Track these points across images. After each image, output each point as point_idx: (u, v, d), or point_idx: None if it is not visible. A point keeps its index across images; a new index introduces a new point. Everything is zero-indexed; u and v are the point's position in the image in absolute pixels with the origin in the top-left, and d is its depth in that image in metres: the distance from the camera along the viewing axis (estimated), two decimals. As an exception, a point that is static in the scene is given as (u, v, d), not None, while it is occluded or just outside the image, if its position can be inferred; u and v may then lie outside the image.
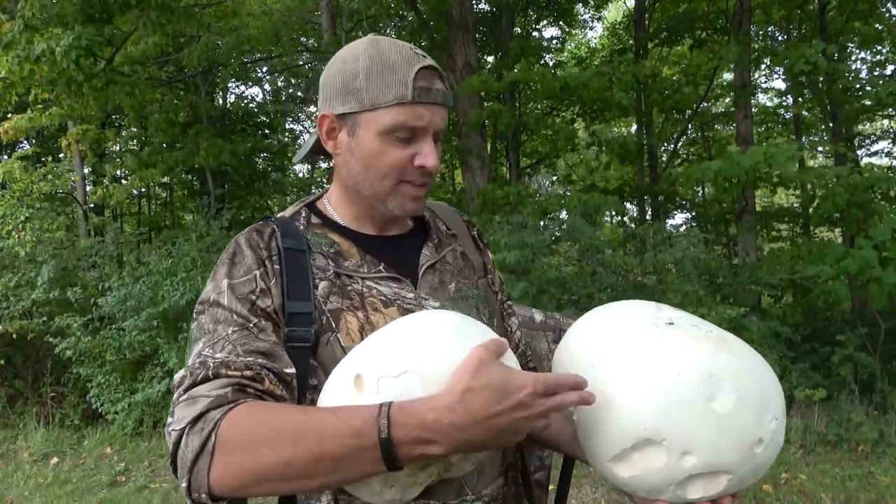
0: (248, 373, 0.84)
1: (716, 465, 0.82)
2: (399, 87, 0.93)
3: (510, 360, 0.84)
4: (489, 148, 8.73)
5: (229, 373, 0.83)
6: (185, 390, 0.83)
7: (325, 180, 11.35)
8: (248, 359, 0.85)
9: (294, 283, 0.94)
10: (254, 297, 0.91)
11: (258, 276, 0.93)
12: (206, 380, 0.83)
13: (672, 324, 0.91)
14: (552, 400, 0.77)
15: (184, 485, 0.79)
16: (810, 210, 7.48)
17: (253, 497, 0.83)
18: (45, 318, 5.72)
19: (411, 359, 0.80)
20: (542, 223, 6.07)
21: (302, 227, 1.02)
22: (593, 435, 0.88)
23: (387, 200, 0.99)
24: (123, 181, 8.92)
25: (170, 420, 0.82)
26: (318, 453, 0.75)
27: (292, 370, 0.88)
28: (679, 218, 11.54)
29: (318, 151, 1.09)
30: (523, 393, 0.75)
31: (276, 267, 0.95)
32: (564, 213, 6.53)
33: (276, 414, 0.81)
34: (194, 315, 0.93)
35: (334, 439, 0.75)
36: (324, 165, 11.22)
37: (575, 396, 0.79)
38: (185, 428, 0.79)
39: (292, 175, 11.91)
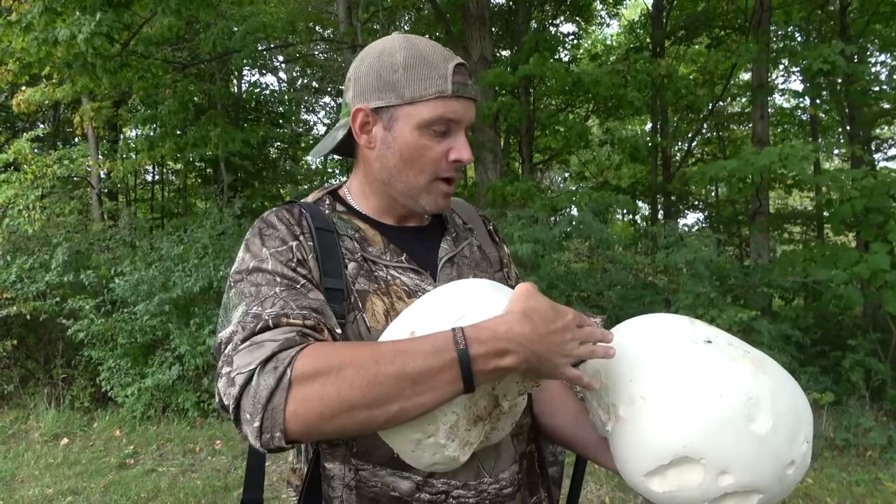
0: (308, 322, 0.84)
1: (750, 484, 0.84)
2: (439, 82, 0.95)
3: None
4: (502, 143, 8.70)
5: (291, 321, 0.83)
6: (243, 340, 0.81)
7: (337, 171, 11.37)
8: (304, 311, 0.85)
9: (327, 259, 0.95)
10: (293, 264, 0.92)
11: (294, 247, 0.94)
12: (265, 329, 0.82)
13: (709, 342, 0.92)
14: (585, 330, 0.84)
15: (255, 425, 0.76)
16: (825, 214, 7.42)
17: (328, 436, 0.82)
18: (58, 300, 5.77)
19: (466, 306, 0.84)
20: (552, 219, 6.05)
21: (327, 212, 1.03)
22: (629, 448, 0.89)
23: (420, 196, 1.01)
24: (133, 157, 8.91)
25: (227, 370, 0.80)
26: (400, 370, 0.77)
27: (339, 330, 0.89)
28: (691, 218, 11.49)
29: (337, 151, 1.09)
30: (569, 316, 0.83)
31: (310, 243, 0.95)
32: (575, 210, 6.52)
33: (351, 344, 0.83)
34: (230, 284, 0.92)
35: (415, 357, 0.78)
36: (337, 157, 11.22)
37: (598, 334, 0.85)
38: (255, 369, 0.77)
39: (304, 165, 11.95)
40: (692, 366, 0.88)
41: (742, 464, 0.83)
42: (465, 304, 0.85)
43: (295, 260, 0.92)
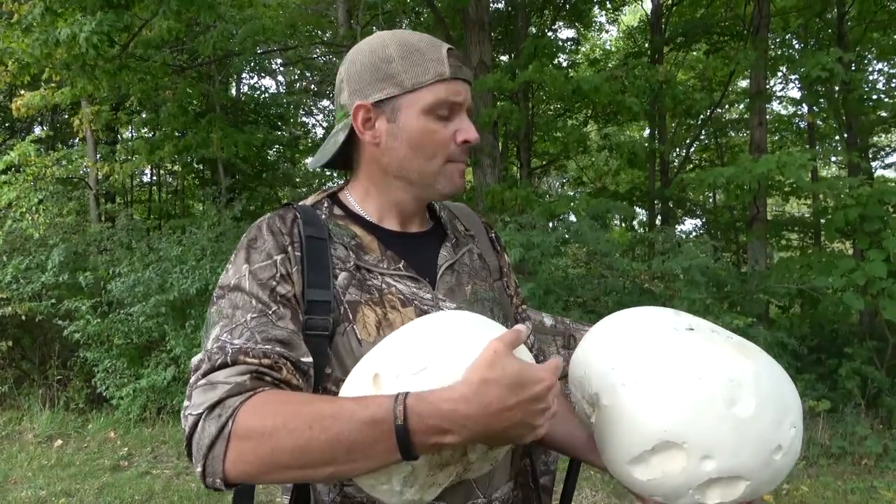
0: (266, 361, 0.84)
1: (735, 469, 0.81)
2: (436, 65, 0.96)
3: (525, 355, 0.84)
4: (501, 147, 8.72)
5: (248, 360, 0.83)
6: (203, 375, 0.83)
7: (334, 174, 11.37)
8: (267, 346, 0.85)
9: (314, 270, 0.94)
10: (274, 283, 0.91)
11: (279, 261, 0.93)
12: (224, 366, 0.83)
13: (692, 329, 0.91)
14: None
15: (199, 469, 0.79)
16: (822, 221, 7.45)
17: (268, 483, 0.83)
18: (53, 301, 5.76)
19: (429, 356, 0.80)
20: (550, 224, 6.06)
21: (324, 217, 1.01)
22: (612, 437, 0.87)
23: (436, 181, 1.00)
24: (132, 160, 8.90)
25: (186, 403, 0.82)
26: (334, 438, 0.75)
27: (309, 359, 0.88)
28: (689, 224, 11.50)
29: (332, 164, 1.07)
30: (539, 386, 0.75)
31: (298, 254, 0.94)
32: (573, 216, 6.52)
33: (294, 401, 0.81)
34: (214, 299, 0.93)
35: (351, 424, 0.75)
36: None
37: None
38: (202, 413, 0.80)
39: (302, 168, 11.94)
40: (672, 350, 0.86)
41: (725, 447, 0.80)
42: (432, 354, 0.80)
43: (278, 276, 0.91)
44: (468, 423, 0.74)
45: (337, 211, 1.04)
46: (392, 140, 0.98)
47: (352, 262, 0.97)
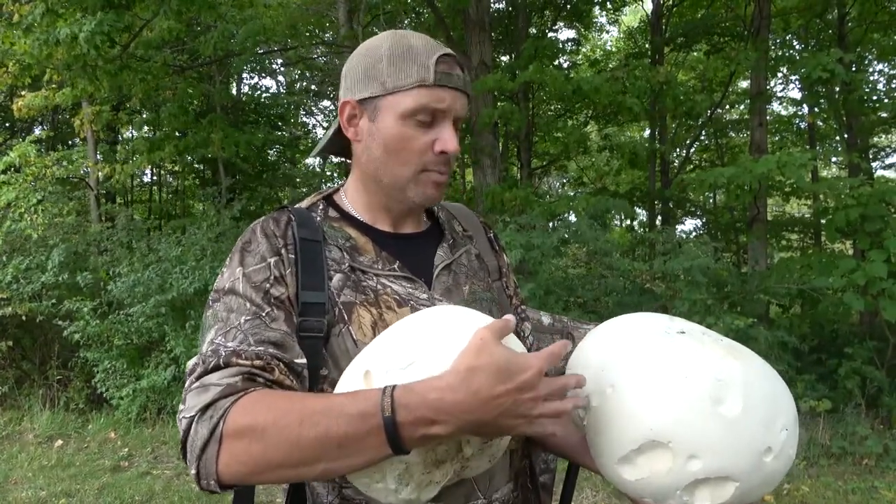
0: (258, 362, 0.84)
1: (723, 470, 0.81)
2: (421, 70, 0.93)
3: (516, 345, 0.83)
4: (501, 148, 8.72)
5: (240, 362, 0.83)
6: (197, 378, 0.83)
7: (335, 174, 11.40)
8: (259, 348, 0.85)
9: (308, 272, 0.93)
10: (268, 286, 0.91)
11: (272, 264, 0.93)
12: (217, 368, 0.83)
13: (683, 332, 0.91)
14: (557, 381, 0.76)
15: (193, 472, 0.80)
16: (822, 221, 7.45)
17: (262, 484, 0.83)
18: (53, 301, 5.76)
19: (418, 350, 0.79)
20: (550, 225, 6.06)
21: (319, 219, 1.01)
22: (601, 438, 0.88)
23: (407, 188, 0.98)
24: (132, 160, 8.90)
25: (181, 407, 0.83)
26: (323, 434, 0.75)
27: (303, 360, 0.88)
28: (689, 224, 11.50)
29: (331, 150, 1.09)
30: (528, 373, 0.73)
31: (292, 256, 0.94)
32: (573, 216, 6.52)
33: (284, 399, 0.81)
34: (209, 303, 0.93)
35: (340, 419, 0.75)
36: (335, 160, 11.24)
37: (572, 381, 0.78)
38: (194, 416, 0.80)
39: (303, 168, 11.96)
40: (660, 351, 0.86)
41: (711, 447, 0.79)
42: (419, 348, 0.79)
43: (271, 278, 0.92)
44: (456, 411, 0.72)
45: (332, 213, 1.04)
46: (370, 140, 0.97)
47: (346, 264, 0.97)
